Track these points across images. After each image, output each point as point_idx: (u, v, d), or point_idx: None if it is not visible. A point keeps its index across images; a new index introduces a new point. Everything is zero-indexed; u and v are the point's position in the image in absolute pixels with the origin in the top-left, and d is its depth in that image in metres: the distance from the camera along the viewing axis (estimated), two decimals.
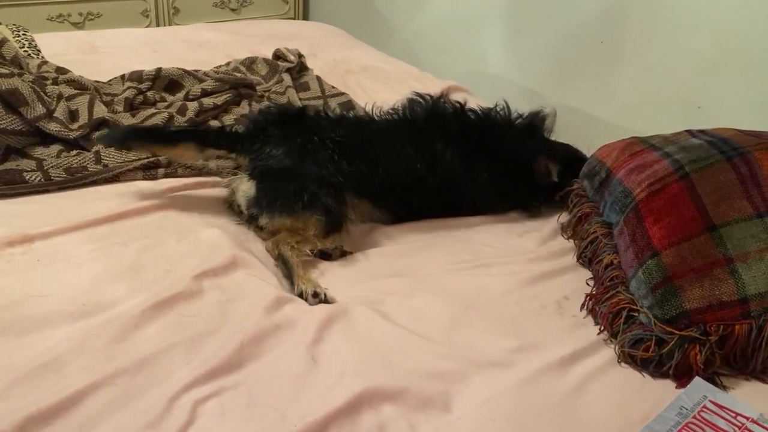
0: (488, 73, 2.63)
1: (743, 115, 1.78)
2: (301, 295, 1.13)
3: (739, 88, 1.80)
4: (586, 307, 1.15)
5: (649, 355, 1.01)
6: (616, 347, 1.05)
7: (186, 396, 0.90)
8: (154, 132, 1.44)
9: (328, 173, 1.28)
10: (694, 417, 0.83)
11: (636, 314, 1.07)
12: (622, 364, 1.03)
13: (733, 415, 0.84)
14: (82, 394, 0.89)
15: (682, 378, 0.98)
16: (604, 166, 1.31)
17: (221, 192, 1.38)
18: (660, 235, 1.08)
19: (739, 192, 1.08)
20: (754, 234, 1.04)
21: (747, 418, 0.84)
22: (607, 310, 1.09)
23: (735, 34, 1.78)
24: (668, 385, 1.00)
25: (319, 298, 1.12)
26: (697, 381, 0.90)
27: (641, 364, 1.02)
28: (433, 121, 1.44)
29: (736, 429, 0.82)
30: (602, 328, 1.09)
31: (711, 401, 0.86)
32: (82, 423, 0.86)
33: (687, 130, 1.27)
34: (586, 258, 1.26)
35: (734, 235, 1.04)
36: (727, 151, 1.13)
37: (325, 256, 1.26)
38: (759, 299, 1.01)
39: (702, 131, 1.25)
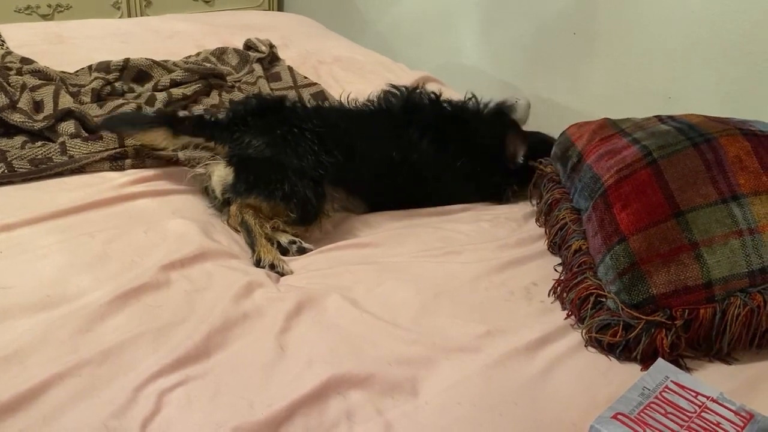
0: (462, 64, 2.63)
1: (710, 104, 1.80)
2: (258, 264, 1.15)
3: (706, 79, 1.82)
4: (554, 292, 1.16)
5: (617, 341, 1.02)
6: (583, 332, 1.06)
7: (152, 386, 0.89)
8: (127, 117, 1.44)
9: (309, 166, 1.28)
10: (656, 397, 0.84)
11: (603, 300, 1.08)
12: (589, 348, 1.04)
13: (694, 394, 0.85)
14: (45, 385, 0.88)
15: (647, 361, 0.99)
16: (576, 150, 1.31)
17: (189, 183, 1.37)
18: (627, 221, 1.09)
19: (705, 178, 1.09)
20: (719, 219, 1.05)
21: (708, 398, 0.85)
22: (575, 295, 1.10)
23: (704, 26, 1.80)
24: (633, 368, 1.01)
25: (276, 270, 1.14)
26: (660, 362, 0.92)
27: (608, 349, 1.03)
28: (408, 111, 1.46)
29: (697, 408, 0.84)
30: (569, 313, 1.10)
31: (673, 382, 0.87)
32: (46, 414, 0.85)
33: (656, 116, 1.29)
34: (556, 244, 1.27)
35: (699, 221, 1.06)
36: (694, 137, 1.14)
37: (282, 250, 1.25)
38: (722, 283, 1.03)
39: (671, 117, 1.26)
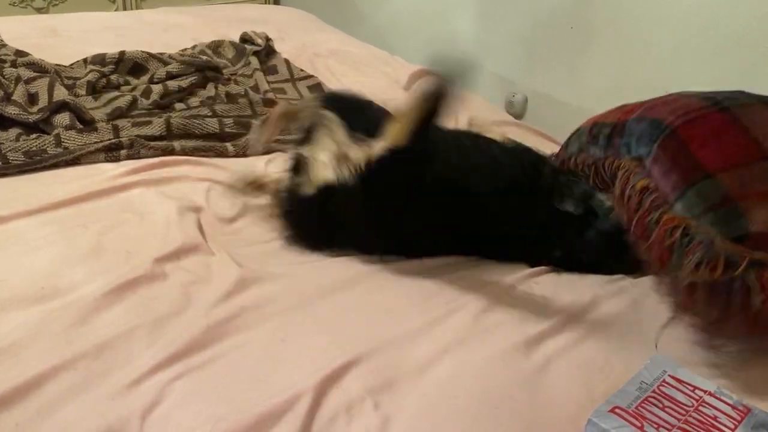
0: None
1: None
2: None
3: (704, 73, 1.83)
4: (631, 234, 1.02)
5: (717, 278, 0.88)
6: (682, 273, 0.90)
7: (150, 378, 0.88)
8: None
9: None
10: (654, 391, 0.84)
11: (691, 232, 0.93)
12: (585, 342, 1.03)
13: (692, 388, 0.85)
14: (41, 378, 0.87)
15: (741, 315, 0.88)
16: (604, 123, 1.19)
17: (185, 172, 1.36)
18: (712, 158, 0.97)
19: None
20: None
21: (705, 391, 0.85)
22: (660, 230, 0.95)
23: (701, 20, 1.80)
24: (631, 362, 1.00)
25: None
26: (657, 357, 0.91)
27: (707, 294, 0.90)
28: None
29: (695, 402, 0.84)
30: (655, 257, 0.96)
31: (670, 376, 0.87)
32: (41, 407, 0.84)
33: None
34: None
35: None
36: (753, 96, 1.06)
37: None
38: None
39: None
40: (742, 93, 1.09)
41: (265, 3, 3.30)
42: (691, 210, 0.96)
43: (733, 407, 0.83)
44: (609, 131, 1.16)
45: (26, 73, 1.58)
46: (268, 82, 1.81)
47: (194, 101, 1.65)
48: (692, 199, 0.96)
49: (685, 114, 1.03)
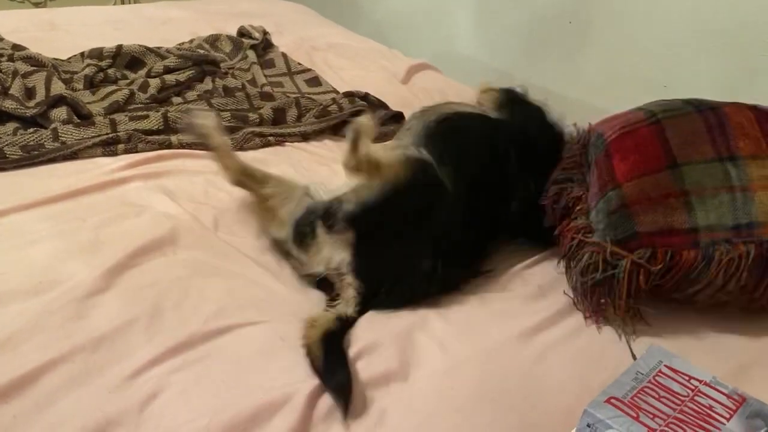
0: (458, 53, 2.62)
1: (706, 93, 1.79)
2: None
3: (702, 68, 1.83)
4: (557, 241, 1.16)
5: (597, 277, 1.04)
6: (571, 276, 1.07)
7: (148, 372, 0.89)
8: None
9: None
10: (650, 381, 0.84)
11: (590, 235, 1.09)
12: (581, 333, 1.04)
13: (687, 378, 0.85)
14: (39, 371, 0.87)
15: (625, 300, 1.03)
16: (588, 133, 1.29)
17: (183, 166, 1.36)
18: (624, 170, 1.10)
19: (705, 138, 1.10)
20: (713, 174, 1.07)
21: (700, 381, 0.85)
22: (567, 235, 1.12)
23: (699, 14, 1.80)
24: (627, 354, 1.01)
25: None
26: (653, 348, 0.91)
27: (591, 293, 1.05)
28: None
29: (690, 392, 0.84)
30: (563, 255, 1.11)
31: (666, 366, 0.87)
32: (39, 400, 0.85)
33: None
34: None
35: (693, 174, 1.07)
36: (699, 105, 1.15)
37: None
38: (708, 231, 1.04)
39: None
40: (693, 103, 1.17)
41: None
42: (597, 216, 1.11)
43: (729, 396, 0.83)
44: (587, 139, 1.26)
45: (23, 67, 1.58)
46: (266, 76, 1.80)
47: (191, 95, 1.65)
48: (601, 207, 1.10)
49: (621, 128, 1.16)
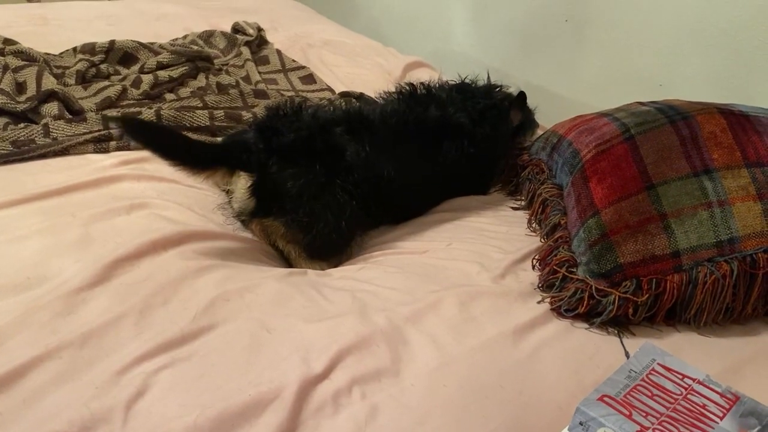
0: (453, 51, 2.62)
1: (701, 91, 1.80)
2: None
3: (697, 66, 1.82)
4: (533, 266, 1.16)
5: (584, 311, 1.04)
6: (550, 303, 1.06)
7: (136, 368, 0.88)
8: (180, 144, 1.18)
9: (346, 219, 1.19)
10: (643, 379, 0.84)
11: (574, 270, 1.09)
12: (576, 332, 1.03)
13: (681, 377, 0.85)
14: (25, 367, 0.86)
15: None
16: (556, 133, 1.32)
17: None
18: (602, 195, 1.11)
19: (679, 152, 1.10)
20: (689, 192, 1.07)
21: (694, 380, 0.85)
22: (548, 267, 1.11)
23: (695, 13, 1.80)
24: (620, 352, 1.01)
25: None
26: (646, 345, 0.91)
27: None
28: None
29: (684, 390, 0.83)
30: (540, 284, 1.10)
31: (659, 364, 0.87)
32: (26, 396, 0.84)
33: (637, 101, 1.29)
34: (538, 221, 1.27)
35: (670, 193, 1.07)
36: (672, 115, 1.15)
37: None
38: (690, 253, 1.04)
39: (652, 101, 1.27)
40: (665, 111, 1.17)
41: None
42: (579, 247, 1.10)
43: (722, 395, 0.83)
44: (554, 142, 1.31)
45: (14, 62, 1.57)
46: (260, 73, 1.79)
47: (185, 92, 1.64)
48: (581, 236, 1.10)
49: (596, 147, 1.16)
